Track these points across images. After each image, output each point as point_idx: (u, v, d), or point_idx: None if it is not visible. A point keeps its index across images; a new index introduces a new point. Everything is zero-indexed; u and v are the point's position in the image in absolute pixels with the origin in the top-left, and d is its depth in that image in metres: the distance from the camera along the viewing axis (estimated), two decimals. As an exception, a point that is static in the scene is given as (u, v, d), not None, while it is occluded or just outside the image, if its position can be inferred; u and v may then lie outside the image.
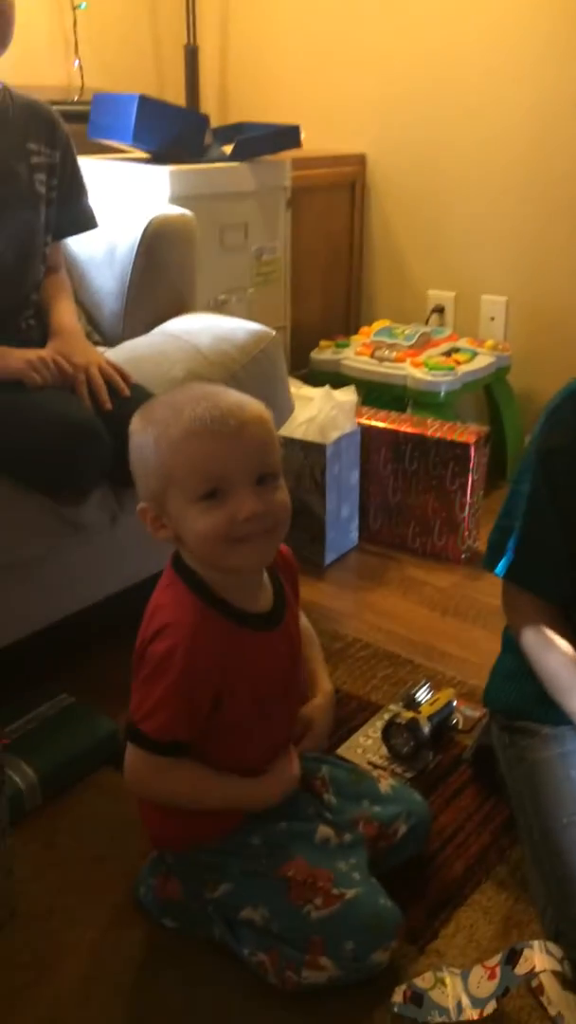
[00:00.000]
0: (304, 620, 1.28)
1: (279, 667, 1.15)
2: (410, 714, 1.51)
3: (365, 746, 1.54)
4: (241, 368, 1.77)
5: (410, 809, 1.26)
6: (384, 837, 1.23)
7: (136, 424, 1.09)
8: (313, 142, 2.67)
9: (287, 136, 2.44)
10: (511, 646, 1.41)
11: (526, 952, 1.05)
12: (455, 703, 1.60)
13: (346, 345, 2.60)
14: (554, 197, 2.48)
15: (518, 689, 1.35)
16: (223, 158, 2.35)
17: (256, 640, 1.12)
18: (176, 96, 2.85)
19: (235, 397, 1.06)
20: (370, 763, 1.49)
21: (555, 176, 2.46)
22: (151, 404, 1.10)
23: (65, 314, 1.69)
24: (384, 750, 1.51)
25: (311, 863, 1.12)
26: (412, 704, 1.56)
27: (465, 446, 2.12)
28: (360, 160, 2.81)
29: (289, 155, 2.48)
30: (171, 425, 1.03)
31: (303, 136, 2.47)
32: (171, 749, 1.08)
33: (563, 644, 1.25)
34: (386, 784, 1.29)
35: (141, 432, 1.07)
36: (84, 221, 1.79)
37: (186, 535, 1.06)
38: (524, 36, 2.41)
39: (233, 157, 2.34)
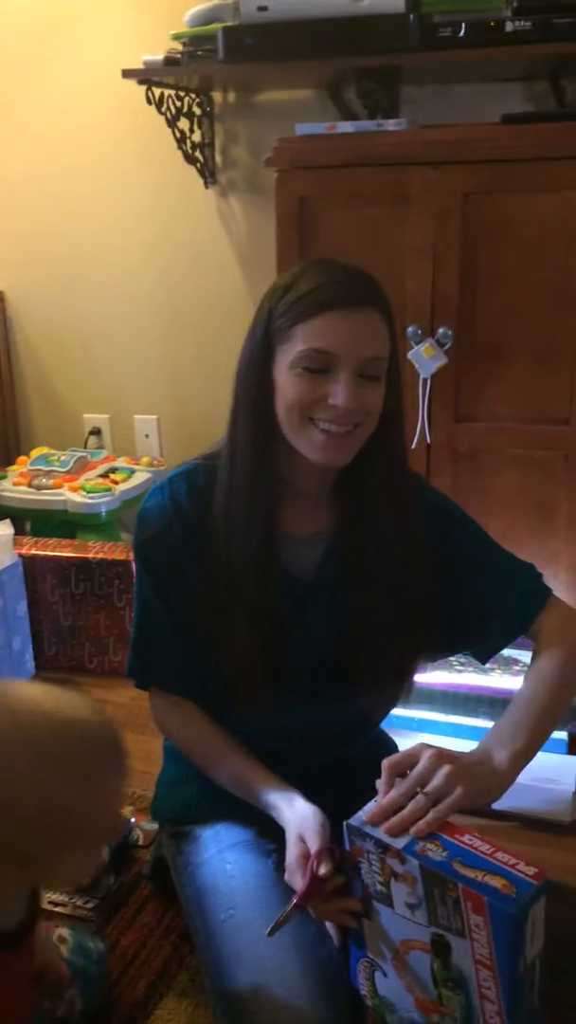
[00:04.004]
0: None
1: None
2: (86, 841, 1.52)
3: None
4: None
5: (83, 971, 1.25)
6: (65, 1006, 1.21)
7: None
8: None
9: None
10: (172, 754, 1.47)
11: (196, 1056, 1.08)
12: (133, 820, 1.63)
13: (3, 477, 2.61)
14: (181, 320, 2.68)
15: (180, 795, 1.39)
16: None
17: None
18: None
19: None
20: (51, 902, 1.48)
21: (179, 301, 2.67)
22: None
23: None
24: (64, 884, 1.51)
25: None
26: (90, 830, 1.57)
27: (126, 563, 2.20)
28: (-2, 297, 2.88)
29: None
30: None
31: None
32: None
33: (205, 727, 1.30)
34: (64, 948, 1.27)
35: None
36: None
37: None
38: (134, 174, 2.63)
39: None
